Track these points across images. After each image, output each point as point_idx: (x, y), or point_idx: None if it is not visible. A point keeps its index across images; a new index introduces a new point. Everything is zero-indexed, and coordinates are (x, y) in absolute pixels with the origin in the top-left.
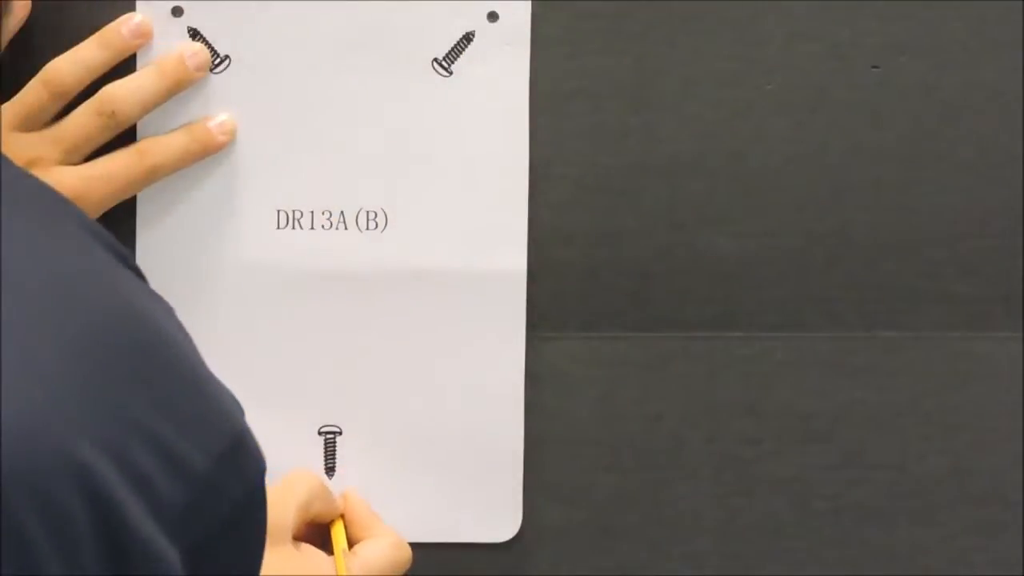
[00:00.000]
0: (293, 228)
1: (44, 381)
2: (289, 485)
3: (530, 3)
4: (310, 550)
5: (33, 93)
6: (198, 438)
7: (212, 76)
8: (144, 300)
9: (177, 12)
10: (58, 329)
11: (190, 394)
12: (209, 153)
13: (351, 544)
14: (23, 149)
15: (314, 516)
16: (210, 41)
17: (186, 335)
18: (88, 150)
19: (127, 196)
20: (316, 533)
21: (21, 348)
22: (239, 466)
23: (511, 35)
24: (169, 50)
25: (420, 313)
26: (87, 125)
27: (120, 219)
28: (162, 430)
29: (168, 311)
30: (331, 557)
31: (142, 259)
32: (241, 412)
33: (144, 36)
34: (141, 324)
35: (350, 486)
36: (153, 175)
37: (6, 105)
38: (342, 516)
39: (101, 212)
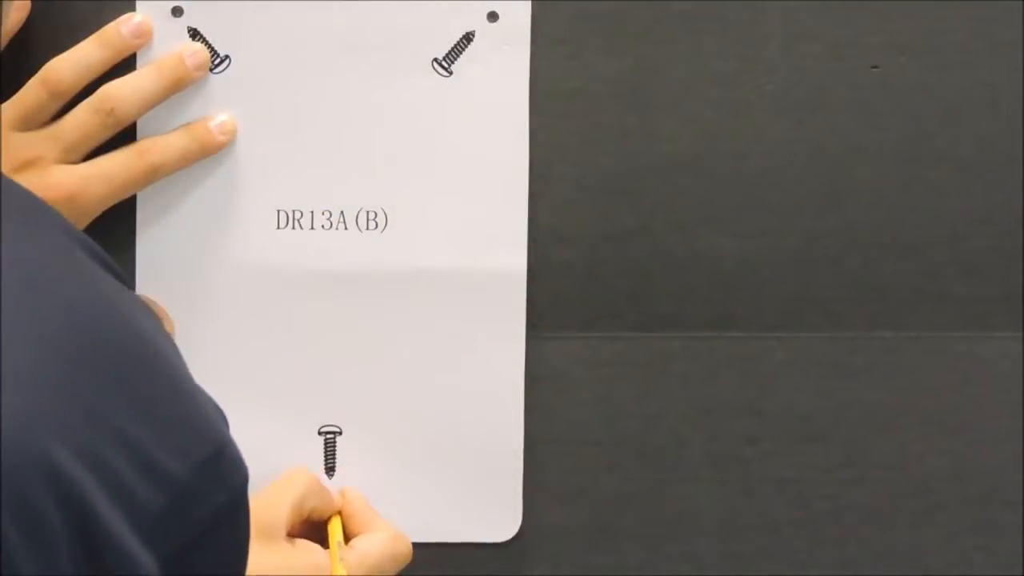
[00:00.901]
0: (293, 228)
1: (20, 384)
2: (283, 483)
3: (530, 3)
4: (306, 544)
5: (32, 92)
6: (178, 445)
7: (212, 76)
8: (127, 306)
9: (177, 12)
10: (36, 332)
11: (171, 400)
12: (209, 153)
13: (349, 540)
14: (22, 148)
15: (310, 513)
16: (210, 41)
17: (170, 342)
18: (87, 149)
19: (126, 196)
20: (315, 531)
21: None
22: (220, 475)
23: (511, 35)
24: (169, 50)
25: (420, 313)
26: (86, 123)
27: (120, 219)
28: (140, 436)
29: (151, 317)
30: (327, 550)
31: (142, 259)
32: (224, 422)
33: (144, 36)
34: (122, 329)
35: (349, 484)
36: (153, 175)
37: (5, 104)
38: (340, 513)
39: (100, 211)
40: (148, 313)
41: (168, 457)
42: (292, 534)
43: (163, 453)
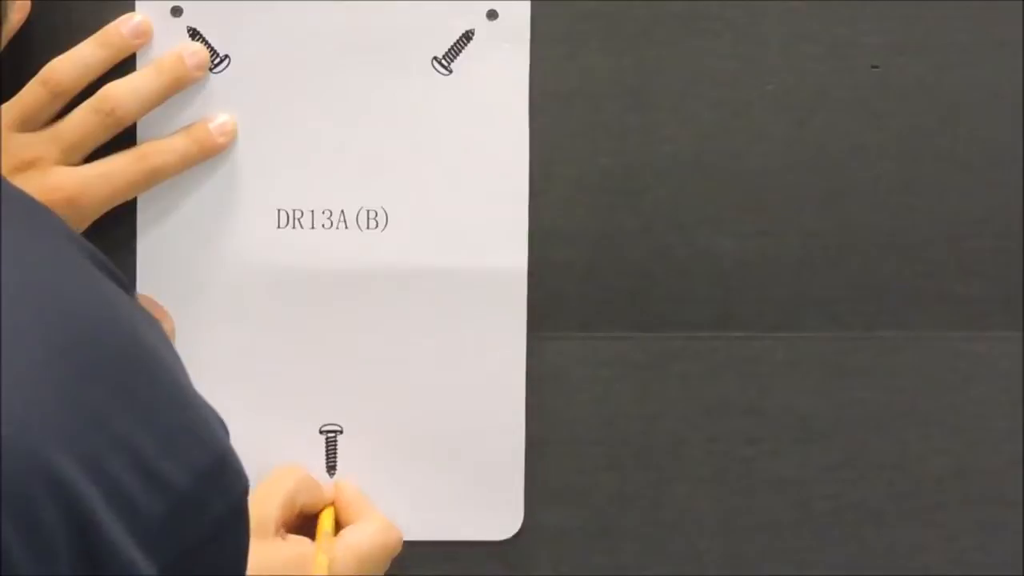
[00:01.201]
0: (293, 228)
1: (23, 390)
2: (274, 480)
3: (530, 2)
4: (295, 539)
5: (32, 93)
6: (180, 454)
7: (212, 76)
8: (129, 314)
9: (177, 12)
10: (39, 339)
11: (172, 409)
12: (209, 155)
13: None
14: (22, 149)
15: (302, 508)
16: (210, 41)
17: (172, 350)
18: (87, 149)
19: (127, 198)
20: (309, 525)
21: (1, 358)
22: (221, 484)
23: (511, 34)
24: (169, 50)
25: (420, 313)
26: (86, 123)
27: (120, 220)
28: (143, 445)
29: (154, 325)
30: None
31: (142, 260)
32: (225, 430)
33: (144, 36)
34: (125, 337)
35: (342, 477)
36: (153, 178)
37: (5, 105)
38: (333, 504)
39: (100, 213)
40: (150, 320)
41: (170, 466)
42: (288, 529)
43: (165, 462)
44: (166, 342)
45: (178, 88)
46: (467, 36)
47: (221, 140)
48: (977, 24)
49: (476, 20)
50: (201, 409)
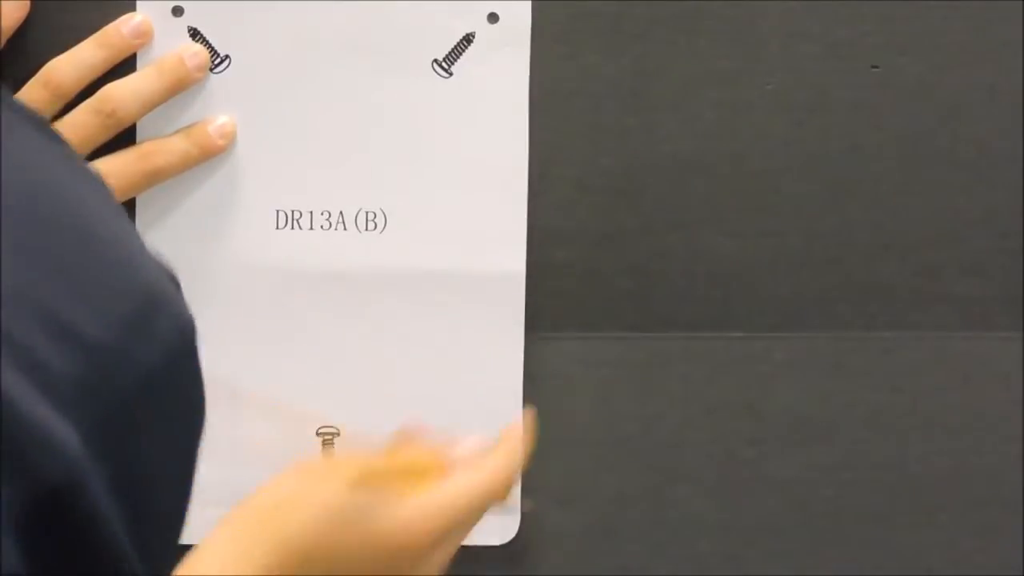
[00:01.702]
0: (292, 228)
1: None
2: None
3: (530, 4)
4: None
5: (32, 93)
6: (94, 304)
7: (212, 76)
8: (51, 165)
9: (177, 12)
10: None
11: (87, 257)
12: (209, 157)
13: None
14: None
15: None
16: (210, 41)
17: (108, 201)
18: (87, 149)
19: (127, 198)
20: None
21: None
22: (151, 331)
23: (511, 36)
24: (169, 50)
25: (419, 314)
26: (86, 124)
27: None
28: (48, 296)
29: (88, 178)
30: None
31: None
32: (168, 277)
33: (144, 36)
34: (28, 188)
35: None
36: (154, 178)
37: None
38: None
39: None
40: (85, 174)
41: (83, 317)
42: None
43: (77, 313)
44: (101, 195)
45: (179, 89)
46: (468, 39)
47: (221, 143)
48: (977, 24)
49: (477, 23)
50: (127, 255)
